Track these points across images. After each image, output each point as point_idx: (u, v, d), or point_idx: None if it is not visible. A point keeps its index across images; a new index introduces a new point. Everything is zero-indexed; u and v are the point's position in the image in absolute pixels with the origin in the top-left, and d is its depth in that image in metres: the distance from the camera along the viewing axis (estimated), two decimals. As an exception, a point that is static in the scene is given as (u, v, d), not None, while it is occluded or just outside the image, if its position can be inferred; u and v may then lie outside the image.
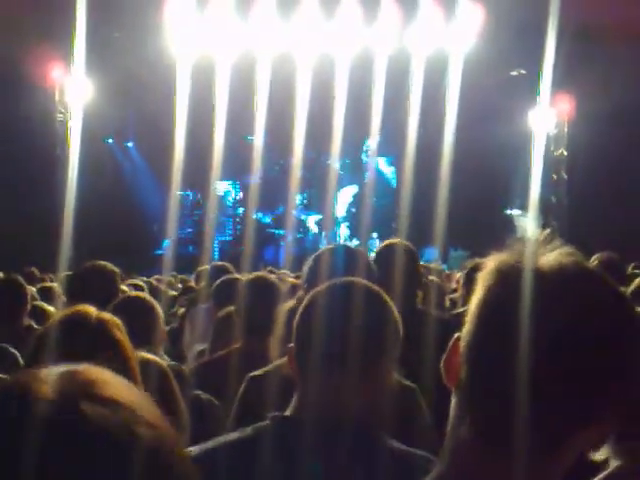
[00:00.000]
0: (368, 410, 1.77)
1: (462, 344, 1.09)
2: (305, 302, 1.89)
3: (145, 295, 3.74)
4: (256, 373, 2.71)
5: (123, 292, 4.21)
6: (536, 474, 1.04)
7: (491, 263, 1.10)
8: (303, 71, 14.60)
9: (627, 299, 1.09)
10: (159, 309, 3.46)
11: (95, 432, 0.65)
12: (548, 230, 1.21)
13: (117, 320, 2.06)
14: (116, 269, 3.72)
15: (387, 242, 3.74)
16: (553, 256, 1.07)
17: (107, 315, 2.07)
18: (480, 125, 16.30)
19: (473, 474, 1.05)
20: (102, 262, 3.70)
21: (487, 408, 1.06)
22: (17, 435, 0.64)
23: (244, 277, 4.45)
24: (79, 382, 0.70)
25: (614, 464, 1.79)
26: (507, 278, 1.06)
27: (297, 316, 1.87)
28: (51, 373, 0.71)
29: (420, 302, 3.65)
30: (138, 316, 3.13)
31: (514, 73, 16.56)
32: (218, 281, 5.09)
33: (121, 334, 2.02)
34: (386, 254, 3.58)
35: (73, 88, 15.38)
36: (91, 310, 2.05)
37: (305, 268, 2.92)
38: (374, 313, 1.83)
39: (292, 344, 1.86)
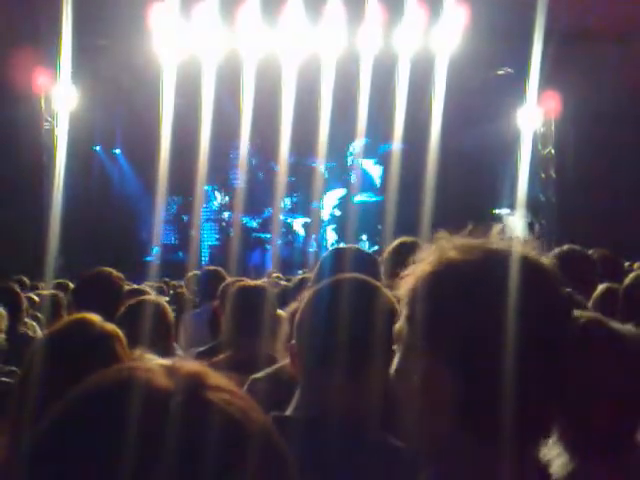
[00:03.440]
0: (367, 407, 1.76)
1: None
2: (305, 300, 1.88)
3: (160, 299, 3.73)
4: (258, 375, 2.71)
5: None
6: (523, 460, 1.09)
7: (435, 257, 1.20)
8: (288, 74, 14.61)
9: (563, 288, 1.18)
10: (171, 314, 3.48)
11: (222, 417, 0.71)
12: (502, 226, 1.25)
13: (120, 332, 2.03)
14: (121, 275, 3.69)
15: (401, 240, 3.63)
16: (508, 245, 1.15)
17: (110, 327, 2.03)
18: (467, 124, 16.34)
19: (464, 469, 1.10)
20: (107, 269, 3.66)
21: (472, 402, 1.09)
22: (159, 428, 0.66)
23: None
24: (187, 374, 0.73)
25: (562, 460, 1.82)
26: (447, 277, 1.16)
27: (298, 314, 1.86)
28: (155, 366, 0.73)
29: None
30: (153, 320, 3.13)
31: (501, 72, 16.60)
32: (224, 283, 5.11)
33: (122, 348, 1.99)
34: (399, 252, 3.48)
35: (59, 95, 15.30)
36: (96, 320, 2.01)
37: (314, 269, 2.93)
38: (373, 310, 1.81)
39: (293, 342, 1.85)
